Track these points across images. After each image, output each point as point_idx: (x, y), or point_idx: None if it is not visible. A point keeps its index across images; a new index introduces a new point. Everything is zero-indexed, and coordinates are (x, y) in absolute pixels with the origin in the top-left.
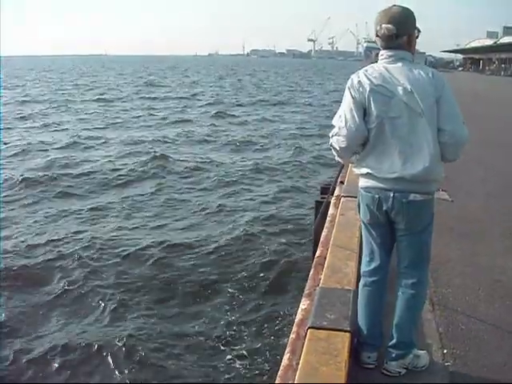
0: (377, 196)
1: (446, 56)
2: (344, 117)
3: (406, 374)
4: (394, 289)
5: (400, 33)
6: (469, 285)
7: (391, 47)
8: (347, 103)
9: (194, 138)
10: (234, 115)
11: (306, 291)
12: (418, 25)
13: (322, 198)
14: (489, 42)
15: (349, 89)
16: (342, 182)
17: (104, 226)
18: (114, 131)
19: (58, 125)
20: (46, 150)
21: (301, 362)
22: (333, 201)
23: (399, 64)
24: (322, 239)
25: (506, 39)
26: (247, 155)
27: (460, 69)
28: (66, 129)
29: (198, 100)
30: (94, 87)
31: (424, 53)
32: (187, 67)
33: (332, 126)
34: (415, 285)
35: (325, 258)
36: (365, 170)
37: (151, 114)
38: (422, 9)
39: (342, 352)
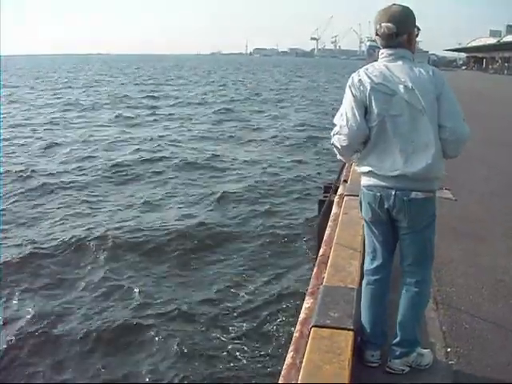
0: (378, 194)
1: (449, 55)
2: (345, 115)
3: (410, 373)
4: (398, 288)
5: (400, 31)
6: (472, 284)
7: (391, 46)
8: (348, 102)
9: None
10: None
11: (310, 290)
12: (417, 23)
13: (325, 196)
14: (492, 40)
15: (349, 87)
16: (345, 181)
17: None
18: None
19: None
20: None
21: (304, 360)
22: (336, 199)
23: (399, 62)
24: (325, 238)
25: (510, 38)
26: None
27: (463, 67)
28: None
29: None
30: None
31: (427, 52)
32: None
33: (334, 125)
34: (419, 283)
35: (328, 257)
36: (366, 169)
37: None
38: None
39: (346, 350)
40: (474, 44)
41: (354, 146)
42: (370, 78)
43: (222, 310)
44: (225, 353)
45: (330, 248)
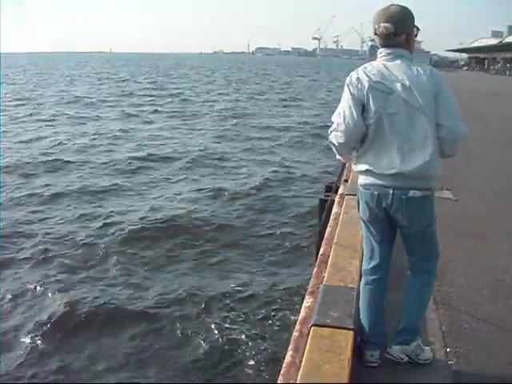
0: (376, 193)
1: (451, 55)
2: (342, 113)
3: (409, 372)
4: (397, 288)
5: (398, 31)
6: (472, 284)
7: (389, 45)
8: (346, 100)
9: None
10: None
11: (310, 289)
12: (417, 23)
13: (326, 196)
14: (493, 41)
15: (348, 86)
16: (346, 181)
17: None
18: None
19: None
20: None
21: (304, 359)
22: (337, 199)
23: (398, 61)
24: (325, 237)
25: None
26: None
27: (465, 68)
28: None
29: None
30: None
31: (429, 52)
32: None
33: (332, 123)
34: (428, 273)
35: (328, 256)
36: (363, 167)
37: None
38: (422, 7)
39: (346, 350)
40: (475, 45)
41: (350, 143)
42: (368, 76)
43: (222, 308)
44: (223, 351)
45: (331, 247)
